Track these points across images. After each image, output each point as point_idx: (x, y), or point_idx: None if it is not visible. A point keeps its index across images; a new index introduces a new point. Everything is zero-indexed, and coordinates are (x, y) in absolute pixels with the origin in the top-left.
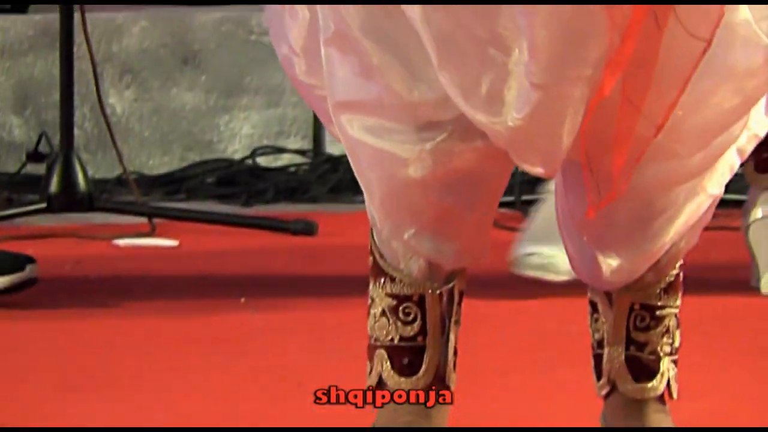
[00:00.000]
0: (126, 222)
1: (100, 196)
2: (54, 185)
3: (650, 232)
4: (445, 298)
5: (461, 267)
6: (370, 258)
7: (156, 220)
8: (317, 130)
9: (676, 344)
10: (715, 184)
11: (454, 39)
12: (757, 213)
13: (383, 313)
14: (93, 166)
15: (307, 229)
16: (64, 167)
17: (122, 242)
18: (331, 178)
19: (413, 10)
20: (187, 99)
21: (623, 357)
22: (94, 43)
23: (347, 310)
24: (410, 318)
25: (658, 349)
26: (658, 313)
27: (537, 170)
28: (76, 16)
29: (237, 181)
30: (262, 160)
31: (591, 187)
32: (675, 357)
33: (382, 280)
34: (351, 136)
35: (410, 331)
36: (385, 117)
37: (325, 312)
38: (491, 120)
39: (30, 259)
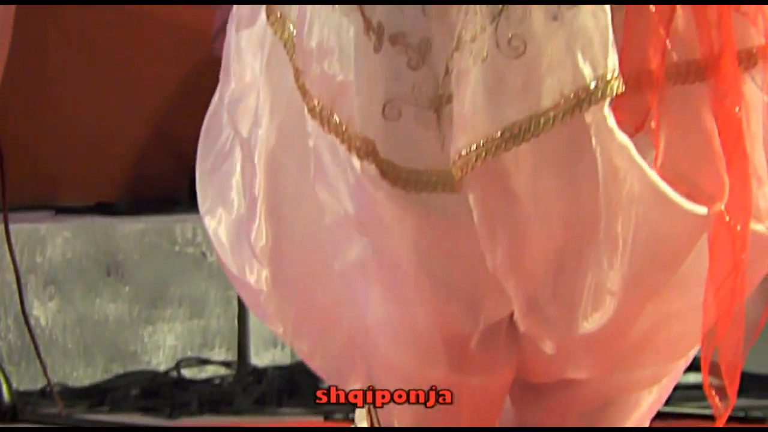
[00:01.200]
0: None
1: (24, 408)
2: None
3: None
4: None
5: None
6: None
7: None
8: (242, 341)
9: None
10: (664, 392)
11: (522, 255)
12: None
13: None
14: (16, 377)
15: None
16: None
17: None
18: (255, 389)
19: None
20: (110, 310)
21: None
22: (18, 254)
23: None
24: None
25: None
26: None
27: (582, 375)
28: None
29: (161, 393)
30: (187, 372)
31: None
32: None
33: None
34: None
35: None
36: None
37: None
38: (559, 331)
39: None
